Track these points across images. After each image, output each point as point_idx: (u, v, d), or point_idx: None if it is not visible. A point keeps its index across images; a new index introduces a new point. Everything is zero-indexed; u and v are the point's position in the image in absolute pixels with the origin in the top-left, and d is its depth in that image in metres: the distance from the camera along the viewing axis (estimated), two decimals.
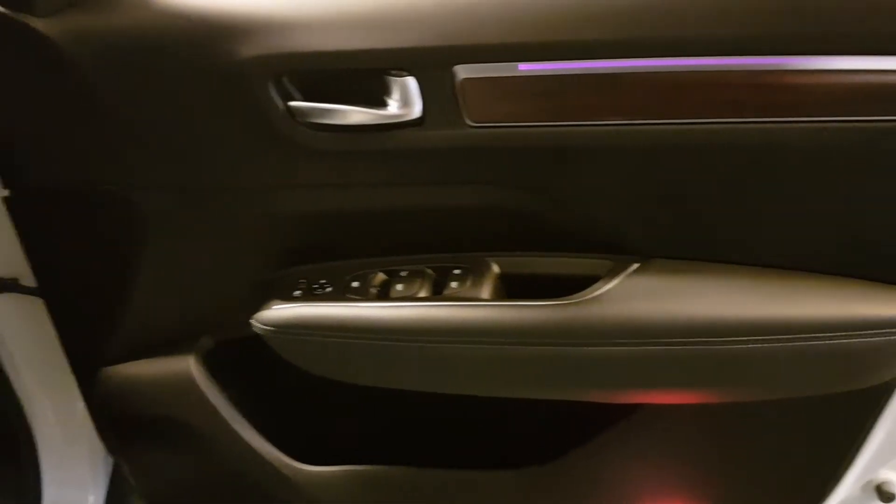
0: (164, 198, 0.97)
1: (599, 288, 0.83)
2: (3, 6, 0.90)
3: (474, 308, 0.86)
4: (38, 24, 0.89)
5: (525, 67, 0.79)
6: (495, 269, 0.90)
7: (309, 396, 1.08)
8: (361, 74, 0.86)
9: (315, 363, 0.96)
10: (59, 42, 0.89)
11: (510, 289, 0.91)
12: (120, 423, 1.15)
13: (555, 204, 0.88)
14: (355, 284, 0.94)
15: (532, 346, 0.84)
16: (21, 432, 1.25)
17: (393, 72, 0.84)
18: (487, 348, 0.86)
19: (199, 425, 1.08)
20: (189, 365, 1.06)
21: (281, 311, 0.94)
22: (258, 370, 1.09)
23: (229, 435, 1.07)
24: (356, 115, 0.86)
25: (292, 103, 0.87)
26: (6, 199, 1.05)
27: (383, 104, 0.85)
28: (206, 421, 1.07)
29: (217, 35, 0.87)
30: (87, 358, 1.13)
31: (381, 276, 0.94)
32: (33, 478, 1.27)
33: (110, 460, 1.31)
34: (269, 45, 0.85)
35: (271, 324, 0.94)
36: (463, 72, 0.81)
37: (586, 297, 0.83)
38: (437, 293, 0.91)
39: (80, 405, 1.22)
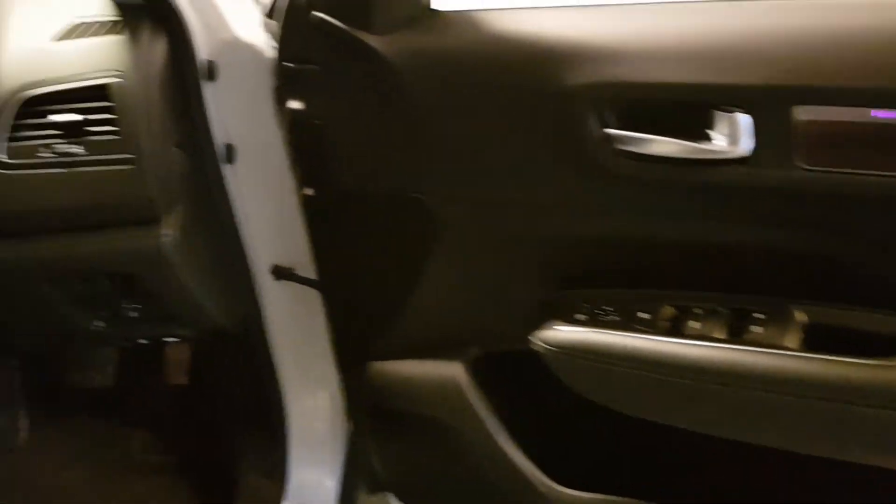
0: (460, 208, 1.01)
1: None
2: (344, 23, 0.96)
3: (785, 357, 0.83)
4: (373, 41, 0.95)
5: (880, 115, 0.76)
6: (800, 317, 0.87)
7: (571, 419, 1.08)
8: (685, 107, 0.85)
9: (595, 389, 0.96)
10: (391, 59, 0.94)
11: (809, 340, 0.87)
12: (378, 414, 1.20)
13: (880, 256, 0.83)
14: (643, 315, 0.93)
15: (849, 404, 0.79)
16: (278, 413, 1.33)
17: (723, 107, 0.82)
18: (794, 401, 0.82)
19: (460, 429, 1.10)
20: (457, 371, 1.09)
21: (565, 334, 0.95)
22: (519, 384, 1.10)
23: (489, 444, 1.09)
24: (674, 146, 0.85)
25: (610, 130, 0.87)
26: (306, 197, 1.13)
27: (698, 137, 0.84)
28: (468, 427, 1.09)
29: (545, 61, 0.88)
30: (355, 351, 1.19)
31: (670, 310, 0.92)
32: (283, 457, 1.35)
33: (345, 448, 1.37)
34: (599, 73, 0.86)
35: (554, 344, 0.95)
36: (803, 113, 0.79)
37: None
38: (734, 335, 0.88)
39: (332, 393, 1.29)
